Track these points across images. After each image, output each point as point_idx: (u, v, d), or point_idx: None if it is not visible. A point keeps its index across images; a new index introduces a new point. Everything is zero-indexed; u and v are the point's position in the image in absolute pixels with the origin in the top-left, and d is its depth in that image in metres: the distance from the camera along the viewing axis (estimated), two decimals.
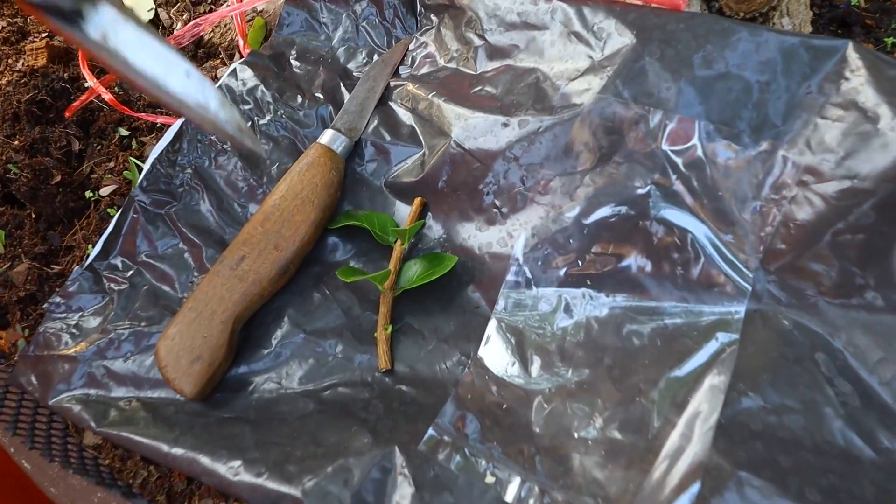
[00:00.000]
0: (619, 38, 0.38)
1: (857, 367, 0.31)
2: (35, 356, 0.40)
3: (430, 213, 0.42)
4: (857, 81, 0.33)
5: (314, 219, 0.40)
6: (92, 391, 0.38)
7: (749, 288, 0.35)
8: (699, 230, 0.36)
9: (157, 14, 0.60)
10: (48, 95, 0.51)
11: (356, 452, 0.32)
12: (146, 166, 0.44)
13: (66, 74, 0.53)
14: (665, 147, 0.36)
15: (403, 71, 0.48)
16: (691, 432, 0.31)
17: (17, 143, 0.49)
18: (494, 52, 0.44)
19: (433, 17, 0.48)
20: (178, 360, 0.36)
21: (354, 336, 0.39)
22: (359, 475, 0.31)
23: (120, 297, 0.41)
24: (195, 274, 0.42)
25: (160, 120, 0.49)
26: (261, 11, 0.55)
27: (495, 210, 0.40)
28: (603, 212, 0.38)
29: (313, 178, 0.41)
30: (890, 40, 0.48)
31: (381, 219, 0.42)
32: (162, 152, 0.45)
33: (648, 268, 0.37)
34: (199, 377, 0.36)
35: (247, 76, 0.48)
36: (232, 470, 0.32)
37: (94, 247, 0.43)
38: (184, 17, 0.59)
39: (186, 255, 0.43)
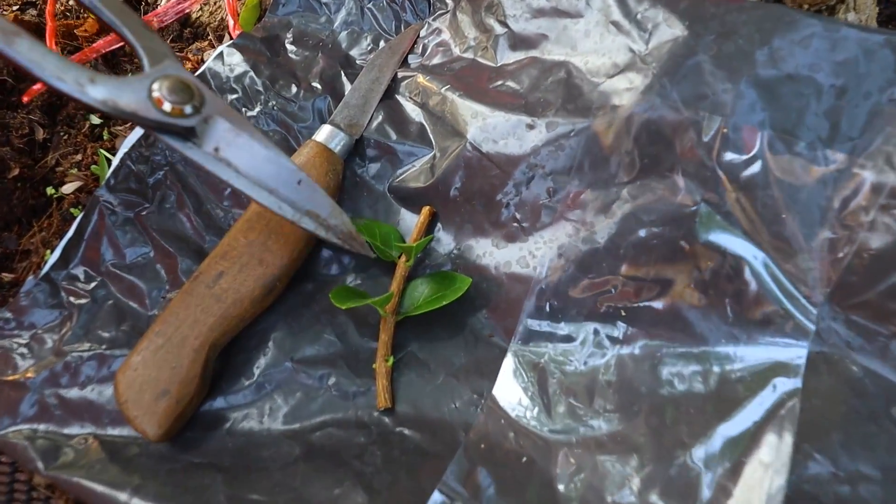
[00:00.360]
0: (668, 29, 0.33)
1: None
2: None
3: (439, 225, 0.37)
4: None
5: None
6: (42, 425, 0.33)
7: (812, 327, 0.30)
8: (755, 257, 0.31)
9: None
10: (10, 76, 0.45)
11: None
12: (114, 162, 0.39)
13: None
14: (719, 159, 0.31)
15: (413, 60, 0.42)
16: None
17: None
18: (519, 42, 0.38)
19: (448, 1, 0.42)
20: (141, 394, 0.30)
21: (350, 367, 0.34)
22: None
23: (80, 314, 0.36)
24: (168, 288, 0.37)
25: None
26: None
27: (516, 224, 0.35)
28: (642, 232, 0.32)
29: None
30: None
31: (383, 230, 0.37)
32: (133, 146, 0.39)
33: (694, 299, 0.31)
34: (166, 416, 0.30)
35: (235, 61, 0.42)
36: None
37: (52, 253, 0.37)
38: None
39: (158, 266, 0.37)
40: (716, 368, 0.31)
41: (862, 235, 0.29)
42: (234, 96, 0.41)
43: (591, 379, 0.32)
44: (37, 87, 0.43)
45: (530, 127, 0.34)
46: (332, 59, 0.43)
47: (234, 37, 0.45)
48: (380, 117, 0.40)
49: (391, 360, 0.33)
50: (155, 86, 0.26)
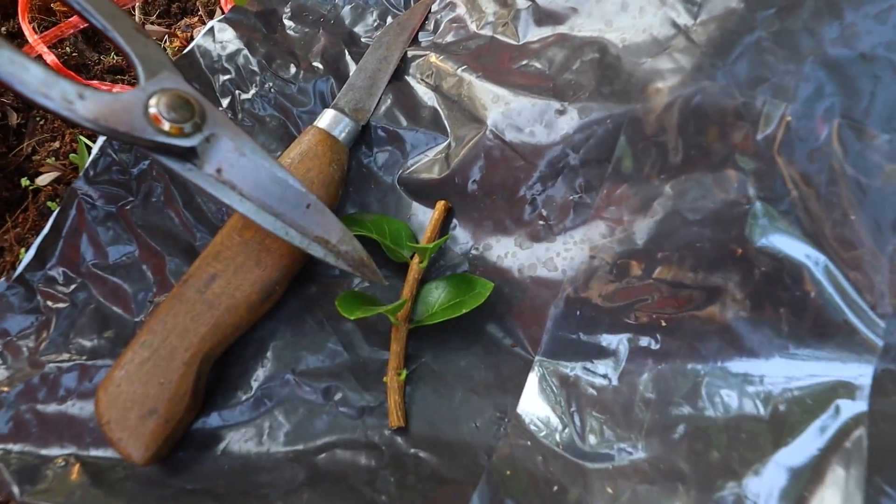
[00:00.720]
0: (720, 1, 0.29)
1: None
2: None
3: (455, 221, 0.34)
4: None
5: None
6: (17, 445, 0.30)
7: (880, 342, 0.27)
8: (816, 263, 0.27)
9: None
10: None
11: None
12: (94, 150, 0.35)
13: (3, 28, 0.43)
14: (779, 151, 0.27)
15: (424, 38, 0.38)
16: None
17: None
18: (544, 17, 0.34)
19: None
20: (126, 413, 0.27)
21: (357, 380, 0.31)
22: None
23: (58, 319, 0.33)
24: (155, 291, 0.33)
25: (116, 90, 0.40)
26: None
27: (542, 222, 0.31)
28: (687, 233, 0.29)
29: (308, 173, 0.32)
30: None
31: (393, 226, 0.33)
32: None
33: (744, 309, 0.28)
34: (154, 437, 0.27)
35: (227, 38, 0.38)
36: None
37: (27, 251, 0.34)
38: None
39: (144, 266, 0.33)
40: (768, 387, 0.27)
41: None
42: (227, 77, 0.37)
43: (627, 397, 0.28)
44: None
45: (561, 112, 0.31)
46: (335, 37, 0.39)
47: (225, 11, 0.41)
48: (388, 101, 0.36)
49: (404, 373, 0.30)
50: (152, 101, 0.24)
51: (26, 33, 0.40)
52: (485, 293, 0.30)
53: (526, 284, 0.31)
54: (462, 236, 0.33)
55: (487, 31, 0.36)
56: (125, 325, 0.32)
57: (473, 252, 0.33)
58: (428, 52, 0.36)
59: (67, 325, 0.32)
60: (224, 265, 0.30)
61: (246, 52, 0.38)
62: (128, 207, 0.35)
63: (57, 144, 0.39)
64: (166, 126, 0.24)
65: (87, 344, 0.32)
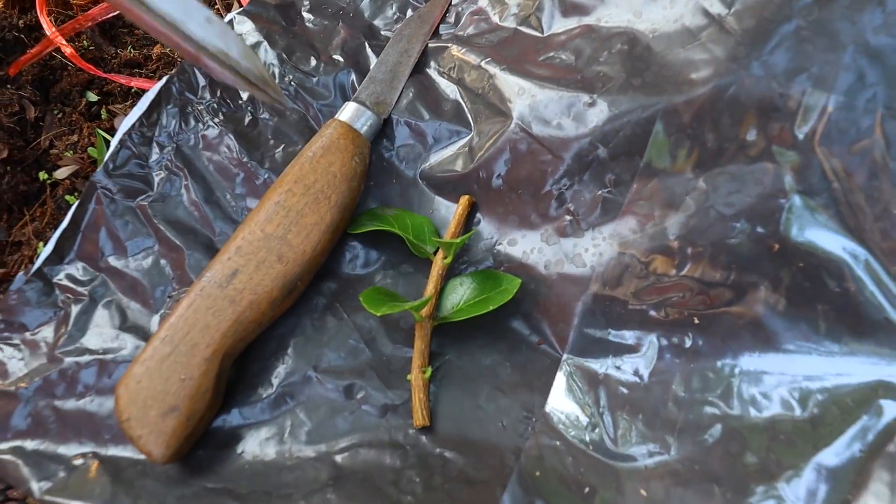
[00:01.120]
0: None
1: None
2: None
3: (479, 216, 0.33)
4: None
5: (330, 221, 0.31)
6: (36, 442, 0.29)
7: None
8: (857, 258, 0.26)
9: None
10: None
11: None
12: (113, 143, 0.34)
13: (21, 22, 0.43)
14: (819, 142, 0.26)
15: (445, 31, 0.37)
16: None
17: None
18: (570, 8, 0.33)
19: None
20: (146, 411, 0.27)
21: (380, 377, 0.30)
22: None
23: (76, 315, 0.32)
24: (175, 286, 0.33)
25: (135, 83, 0.39)
26: None
27: (569, 217, 0.31)
28: (720, 228, 0.28)
29: (330, 167, 0.31)
30: None
31: (416, 221, 0.32)
32: (134, 125, 0.35)
33: (780, 307, 0.27)
34: (175, 435, 0.27)
35: (246, 30, 0.38)
36: None
37: (45, 245, 0.33)
38: None
39: (163, 260, 0.33)
40: (806, 387, 0.26)
41: None
42: None
43: (658, 396, 0.28)
44: (25, 57, 0.38)
45: (590, 105, 0.30)
46: (355, 29, 0.38)
47: (244, 3, 0.40)
48: (410, 94, 0.35)
49: (429, 371, 0.29)
50: None
51: (44, 26, 0.40)
52: (512, 290, 0.29)
53: (552, 281, 0.30)
54: (486, 231, 0.32)
55: (510, 24, 0.35)
56: (144, 321, 0.32)
57: (498, 248, 0.32)
58: (449, 45, 0.36)
59: (86, 321, 0.32)
60: (245, 260, 0.29)
61: (265, 44, 0.37)
62: (146, 201, 0.34)
63: (75, 138, 0.39)
64: None
65: (106, 340, 0.31)
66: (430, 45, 0.37)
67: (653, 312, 0.29)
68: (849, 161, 0.26)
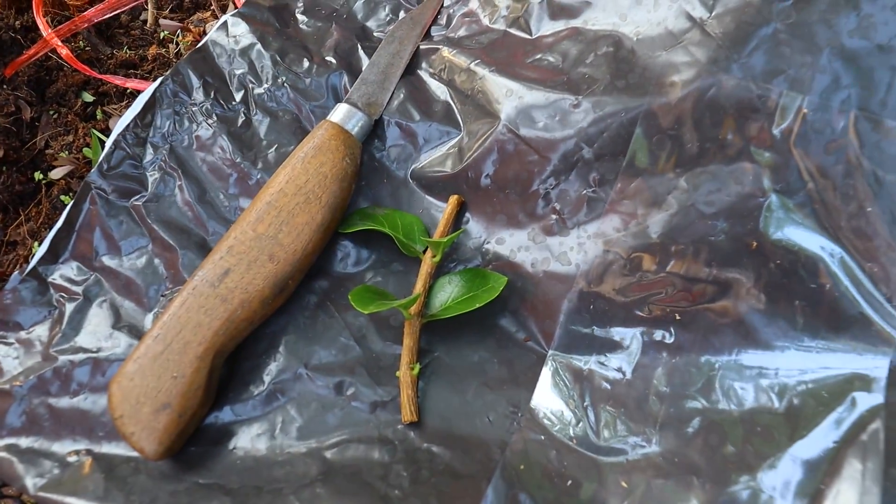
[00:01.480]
0: None
1: None
2: None
3: (468, 216, 0.33)
4: None
5: (321, 221, 0.31)
6: (30, 439, 0.30)
7: None
8: (832, 255, 0.27)
9: None
10: None
11: None
12: (107, 144, 0.35)
13: (17, 23, 0.43)
14: (795, 143, 0.27)
15: (436, 32, 0.38)
16: None
17: None
18: (558, 11, 0.34)
19: None
20: (139, 408, 0.27)
21: (370, 374, 0.31)
22: None
23: (70, 313, 0.33)
24: (168, 285, 0.33)
25: (130, 84, 0.40)
26: None
27: (555, 216, 0.31)
28: (701, 226, 0.29)
29: (321, 167, 0.32)
30: None
31: (406, 221, 0.33)
32: (128, 126, 0.35)
33: (759, 303, 0.28)
34: (167, 432, 0.27)
35: (240, 32, 0.38)
36: None
37: (40, 245, 0.34)
38: None
39: (157, 260, 0.33)
40: (783, 380, 0.27)
41: None
42: (240, 70, 0.37)
43: (641, 391, 0.28)
44: (22, 58, 0.39)
45: (575, 106, 0.31)
46: (348, 31, 0.39)
47: (238, 5, 0.41)
48: (401, 95, 0.36)
49: (417, 367, 0.30)
50: None
51: (40, 27, 0.40)
52: (498, 287, 0.30)
53: (539, 278, 0.31)
54: (475, 230, 0.33)
55: (500, 26, 0.36)
56: (138, 320, 0.32)
57: (486, 246, 0.33)
58: (440, 47, 0.36)
59: (80, 320, 0.32)
60: (237, 260, 0.30)
61: (259, 46, 0.38)
62: (141, 201, 0.35)
63: (70, 138, 0.39)
64: None
65: (100, 338, 0.32)
66: (421, 46, 0.37)
67: (636, 309, 0.29)
68: (824, 161, 0.27)
